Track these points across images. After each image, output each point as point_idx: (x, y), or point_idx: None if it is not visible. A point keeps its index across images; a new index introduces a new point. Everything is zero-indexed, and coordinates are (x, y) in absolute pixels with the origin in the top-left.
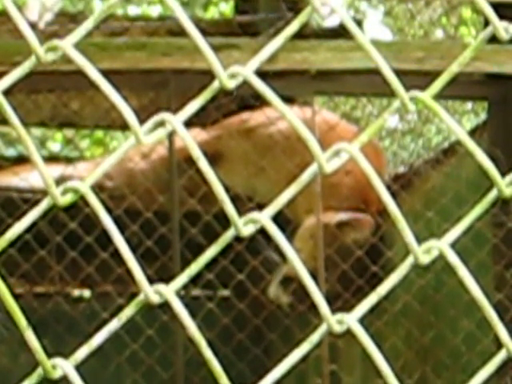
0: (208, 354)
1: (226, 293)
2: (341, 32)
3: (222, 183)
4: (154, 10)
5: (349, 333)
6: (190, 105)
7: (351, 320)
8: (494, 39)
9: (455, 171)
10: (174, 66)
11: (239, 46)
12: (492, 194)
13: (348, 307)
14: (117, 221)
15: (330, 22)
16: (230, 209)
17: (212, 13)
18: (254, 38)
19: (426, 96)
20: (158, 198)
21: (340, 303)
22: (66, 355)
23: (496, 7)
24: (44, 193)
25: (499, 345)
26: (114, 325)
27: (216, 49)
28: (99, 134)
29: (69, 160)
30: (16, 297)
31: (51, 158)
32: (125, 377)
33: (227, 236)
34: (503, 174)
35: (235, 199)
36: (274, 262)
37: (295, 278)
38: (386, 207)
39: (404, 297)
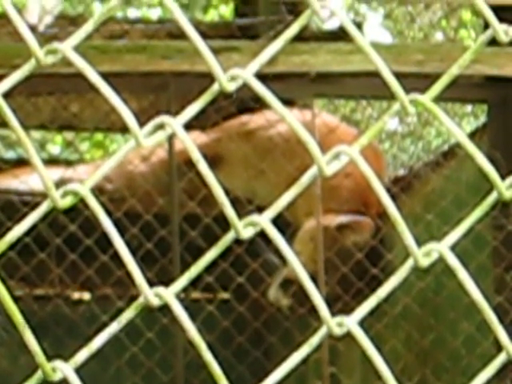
0: (208, 356)
1: (225, 295)
2: (340, 35)
3: (222, 186)
4: (154, 13)
5: (349, 335)
6: (190, 107)
7: (351, 323)
8: (493, 42)
9: (455, 174)
10: (174, 68)
11: (239, 48)
12: (492, 197)
13: (348, 310)
14: (117, 223)
15: (330, 25)
16: (229, 211)
17: (212, 15)
18: (253, 40)
19: (426, 99)
20: (158, 201)
21: (340, 306)
22: (65, 358)
23: (496, 10)
24: (44, 195)
25: (499, 347)
26: (113, 327)
27: (216, 51)
28: (99, 136)
29: (68, 163)
30: (16, 299)
31: (51, 161)
32: (125, 380)
33: (227, 239)
34: (503, 177)
35: (235, 202)
36: (273, 264)
37: (295, 280)
38: (385, 210)
39: (404, 299)
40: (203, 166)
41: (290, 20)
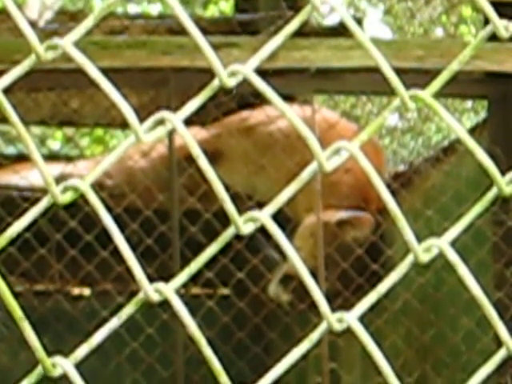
0: (208, 352)
1: (225, 291)
2: (341, 30)
3: (222, 181)
4: (154, 9)
5: (349, 331)
6: (190, 103)
7: (351, 318)
8: (493, 37)
9: (455, 169)
10: (174, 64)
11: (239, 44)
12: (492, 193)
13: (348, 305)
14: (117, 219)
15: (330, 21)
16: (229, 207)
17: (212, 11)
18: (253, 36)
19: (426, 94)
20: (158, 197)
21: (340, 301)
22: (65, 353)
23: (496, 5)
24: (44, 191)
25: (499, 343)
26: (113, 323)
27: (216, 47)
28: (99, 132)
29: (69, 158)
30: (16, 295)
31: (51, 157)
32: (125, 375)
33: (227, 234)
34: (503, 173)
35: (235, 197)
36: (273, 260)
37: (295, 276)
38: (385, 205)
39: (404, 295)
40: (203, 162)
41: (290, 15)
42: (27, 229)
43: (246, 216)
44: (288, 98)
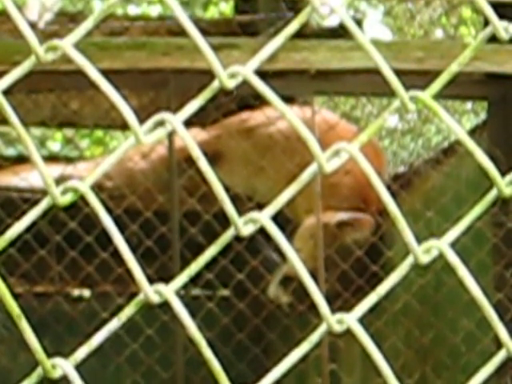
0: (208, 353)
1: (225, 292)
2: (340, 32)
3: (222, 183)
4: (154, 10)
5: (349, 332)
6: (190, 104)
7: (351, 320)
8: (493, 39)
9: (455, 171)
10: (174, 65)
11: (239, 45)
12: (492, 194)
13: (348, 307)
14: (116, 220)
15: (330, 22)
16: (229, 208)
17: (212, 12)
18: (253, 37)
19: (426, 96)
20: (158, 198)
21: (340, 303)
22: (65, 355)
23: (496, 7)
24: (44, 192)
25: (499, 344)
26: (113, 324)
27: (216, 48)
28: (99, 133)
29: (69, 160)
30: (16, 296)
31: (51, 158)
32: (125, 377)
33: (227, 236)
34: (503, 174)
35: (235, 199)
36: (273, 261)
37: (295, 277)
38: (385, 207)
39: (404, 296)
40: (203, 163)
41: (289, 17)
42: (27, 230)
43: (245, 217)
44: (288, 99)
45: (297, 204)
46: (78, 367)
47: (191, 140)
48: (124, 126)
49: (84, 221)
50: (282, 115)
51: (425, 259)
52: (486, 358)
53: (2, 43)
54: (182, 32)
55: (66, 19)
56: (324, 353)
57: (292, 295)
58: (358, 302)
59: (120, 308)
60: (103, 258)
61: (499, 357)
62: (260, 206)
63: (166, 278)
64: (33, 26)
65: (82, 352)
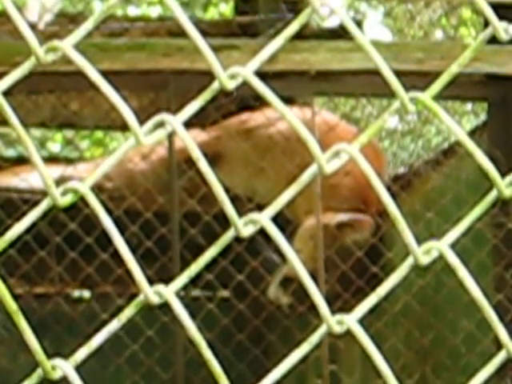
0: (208, 354)
1: (225, 293)
2: (340, 33)
3: (222, 184)
4: (154, 11)
5: (349, 333)
6: (190, 105)
7: (351, 321)
8: (493, 40)
9: (455, 172)
10: (174, 66)
11: (239, 46)
12: (492, 195)
13: (348, 308)
14: (116, 221)
15: (330, 23)
16: (229, 209)
17: (212, 13)
18: (253, 38)
19: (426, 97)
20: (158, 199)
21: (340, 304)
22: (65, 356)
23: (496, 8)
24: (44, 193)
25: (499, 345)
26: (113, 325)
27: (216, 49)
28: (99, 134)
29: (69, 161)
30: (16, 297)
31: (51, 159)
32: (124, 378)
33: (227, 237)
34: (503, 175)
35: (235, 200)
36: (273, 262)
37: (295, 278)
38: (385, 208)
39: (404, 297)
40: (203, 164)
41: (290, 18)
42: (27, 231)
43: (245, 218)
44: (288, 100)
45: (297, 205)
46: (78, 368)
47: (191, 141)
48: (124, 127)
49: (84, 222)
50: (282, 116)
51: (425, 260)
52: (486, 359)
53: (2, 44)
54: (181, 33)
55: (66, 20)
56: (324, 354)
57: (292, 296)
58: (358, 303)
59: (120, 309)
60: (103, 259)
61: (499, 358)
62: (260, 207)
63: (166, 279)
64: (33, 27)
65: (82, 353)
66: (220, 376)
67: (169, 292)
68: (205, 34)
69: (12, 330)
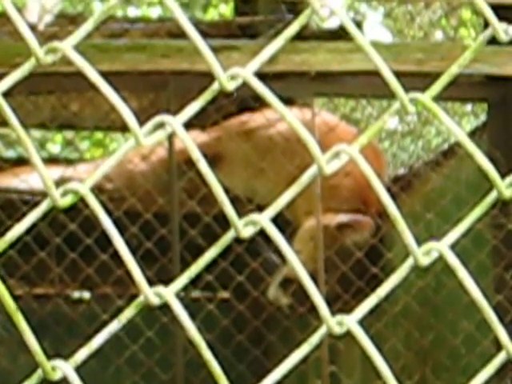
0: (208, 355)
1: (225, 294)
2: (340, 34)
3: (222, 185)
4: (154, 12)
5: (349, 334)
6: (190, 106)
7: (351, 322)
8: (493, 41)
9: (455, 173)
10: (174, 67)
11: (239, 47)
12: (492, 196)
13: (348, 309)
14: (116, 222)
15: (330, 24)
16: (229, 210)
17: (212, 14)
18: (253, 39)
19: (426, 97)
20: (158, 200)
21: (340, 305)
22: (65, 357)
23: (496, 9)
24: (44, 194)
25: (499, 346)
26: (113, 326)
27: (216, 50)
28: (99, 135)
29: (68, 161)
30: (16, 298)
31: (51, 160)
32: (125, 378)
33: (227, 238)
34: (503, 176)
35: (235, 201)
36: (273, 263)
37: (295, 279)
38: (385, 209)
39: (404, 298)
40: (203, 165)
41: (289, 19)
42: (27, 232)
43: (245, 219)
44: (288, 101)
45: (297, 206)
46: (78, 369)
47: (191, 142)
48: (124, 128)
49: (84, 223)
50: (282, 117)
51: (425, 261)
52: (485, 360)
53: (2, 45)
54: (181, 34)
55: (66, 21)
56: (324, 355)
57: (292, 297)
58: (358, 304)
59: (120, 310)
60: (103, 260)
61: (499, 359)
62: (260, 208)
63: (166, 280)
64: (33, 28)
65: (82, 354)
66: (220, 377)
67: (169, 293)
68: (205, 34)
69: (12, 331)
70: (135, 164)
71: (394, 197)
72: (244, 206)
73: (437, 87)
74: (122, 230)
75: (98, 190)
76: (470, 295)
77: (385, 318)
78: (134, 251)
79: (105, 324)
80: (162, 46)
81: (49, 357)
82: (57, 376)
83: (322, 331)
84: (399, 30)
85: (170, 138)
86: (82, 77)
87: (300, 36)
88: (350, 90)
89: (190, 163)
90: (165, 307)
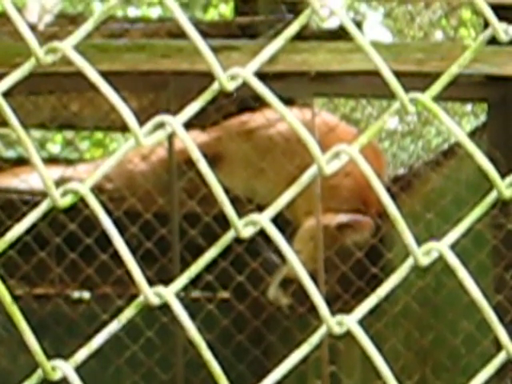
0: (208, 355)
1: (225, 294)
2: (340, 34)
3: (222, 185)
4: (154, 12)
5: (348, 334)
6: (190, 106)
7: (351, 322)
8: (493, 41)
9: (455, 173)
10: (174, 67)
11: (239, 47)
12: (492, 196)
13: (348, 309)
14: (116, 222)
15: (330, 24)
16: (229, 210)
17: (212, 14)
18: (253, 39)
19: (426, 98)
20: (158, 200)
21: (340, 305)
22: (65, 357)
23: (495, 9)
24: (44, 194)
25: (499, 346)
26: (113, 326)
27: (216, 50)
28: (99, 135)
29: (68, 162)
30: (16, 298)
31: (51, 160)
32: (124, 378)
33: (227, 238)
34: (503, 176)
35: (235, 201)
36: (273, 263)
37: (295, 279)
38: (385, 209)
39: (404, 298)
40: (203, 165)
41: (289, 19)
42: (27, 232)
43: (245, 219)
44: (288, 101)
45: (297, 206)
46: (78, 369)
47: (191, 142)
48: (124, 128)
49: (84, 223)
50: (282, 117)
51: (425, 261)
52: (485, 360)
53: (2, 45)
54: (181, 34)
55: (66, 21)
56: (324, 355)
57: (292, 297)
58: (358, 304)
59: (120, 310)
60: (103, 260)
61: (499, 359)
62: (260, 208)
63: (166, 280)
64: (33, 28)
65: (81, 354)
66: (220, 377)
67: (169, 293)
68: (205, 34)
69: (12, 331)
70: (135, 164)
71: (393, 197)
72: (244, 206)
73: (437, 87)
74: (121, 230)
75: (98, 189)
76: (469, 295)
77: (385, 318)
78: (134, 251)
79: (105, 324)
80: (162, 46)
81: (49, 357)
82: (57, 376)
83: (321, 331)
84: (399, 30)
85: (170, 138)
86: (82, 77)
87: (300, 36)
88: (350, 90)
89: (190, 163)
90: (165, 307)
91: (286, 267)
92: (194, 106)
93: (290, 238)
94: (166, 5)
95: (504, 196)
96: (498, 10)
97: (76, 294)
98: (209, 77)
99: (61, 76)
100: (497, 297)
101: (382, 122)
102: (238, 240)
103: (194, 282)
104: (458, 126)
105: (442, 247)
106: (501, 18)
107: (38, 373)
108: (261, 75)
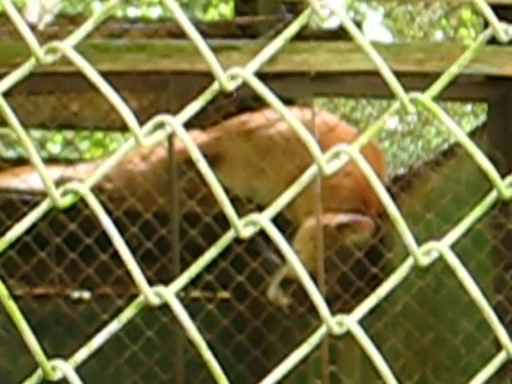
0: (208, 355)
1: (225, 294)
2: (340, 34)
3: (222, 185)
4: (154, 12)
5: (348, 334)
6: (190, 106)
7: (351, 322)
8: (493, 41)
9: (455, 173)
10: (174, 67)
11: (239, 47)
12: (492, 196)
13: (348, 309)
14: (116, 222)
15: (330, 24)
16: (229, 210)
17: (212, 14)
18: (253, 39)
19: (426, 98)
20: (158, 200)
21: (340, 305)
22: (65, 357)
23: (496, 9)
24: (44, 194)
25: (499, 346)
26: (113, 326)
27: (216, 50)
28: (99, 135)
29: (68, 162)
30: (16, 298)
31: (51, 160)
32: (124, 378)
33: (227, 238)
34: (503, 176)
35: (235, 201)
36: (273, 263)
37: (295, 279)
38: (385, 209)
39: (404, 298)
40: (203, 165)
41: (289, 19)
42: (27, 232)
43: (245, 219)
44: (288, 101)
45: (297, 206)
46: (78, 369)
47: (191, 142)
48: (124, 128)
49: (84, 223)
50: (282, 117)
51: (425, 261)
52: (485, 360)
53: (2, 45)
54: (181, 34)
55: (66, 21)
56: (324, 355)
57: (292, 297)
58: (358, 304)
59: (120, 310)
60: (103, 260)
61: (499, 359)
62: (260, 208)
63: (166, 280)
64: (33, 27)
65: (81, 354)
66: (220, 377)
67: (169, 293)
68: (205, 34)
69: (12, 331)
70: (135, 164)
71: (393, 197)
72: (244, 206)
73: (437, 87)
74: (121, 230)
75: (98, 189)
76: (469, 295)
77: (385, 317)
78: (133, 251)
79: (105, 324)
80: (162, 46)
81: (49, 357)
82: (57, 376)
83: (321, 331)
84: (399, 30)
85: (170, 138)
86: (82, 77)
87: (300, 36)
88: (350, 90)
89: (190, 163)
90: (165, 307)
91: (286, 267)
92: (194, 105)
93: (289, 238)
94: (166, 5)
95: (504, 196)
96: (498, 9)
97: (76, 294)
98: (209, 77)
99: (61, 76)
100: (497, 297)
101: (381, 121)
102: (237, 240)
103: (193, 282)
104: (458, 125)
105: (441, 247)
106: (501, 18)
107: (38, 373)
108: (261, 75)
